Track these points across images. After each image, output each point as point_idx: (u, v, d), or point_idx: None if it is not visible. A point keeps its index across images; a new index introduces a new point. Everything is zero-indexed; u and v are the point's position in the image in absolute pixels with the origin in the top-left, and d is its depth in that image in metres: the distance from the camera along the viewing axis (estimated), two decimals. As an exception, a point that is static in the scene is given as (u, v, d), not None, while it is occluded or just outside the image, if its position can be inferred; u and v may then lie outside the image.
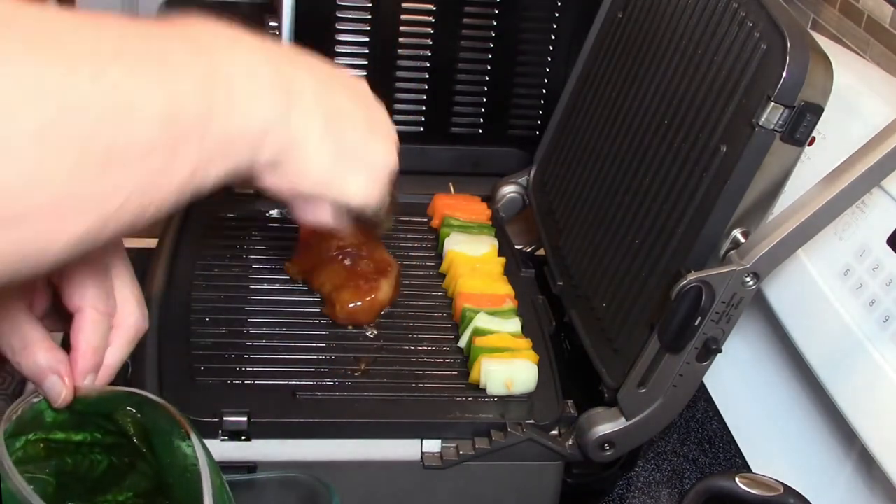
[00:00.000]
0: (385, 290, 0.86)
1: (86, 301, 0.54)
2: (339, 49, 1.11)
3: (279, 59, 0.52)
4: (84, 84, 0.40)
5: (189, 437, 0.55)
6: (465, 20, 1.13)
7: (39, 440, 0.55)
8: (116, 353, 0.56)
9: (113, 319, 0.56)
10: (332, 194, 0.55)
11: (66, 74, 0.40)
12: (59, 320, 0.55)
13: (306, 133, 0.52)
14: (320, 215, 0.57)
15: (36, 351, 0.53)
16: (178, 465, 0.55)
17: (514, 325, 0.84)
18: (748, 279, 0.68)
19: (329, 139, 0.53)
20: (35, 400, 0.55)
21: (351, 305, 0.84)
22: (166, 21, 0.48)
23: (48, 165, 0.39)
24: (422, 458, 0.75)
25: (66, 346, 0.55)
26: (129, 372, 0.72)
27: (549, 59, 1.16)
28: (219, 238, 0.94)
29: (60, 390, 0.54)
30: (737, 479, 0.73)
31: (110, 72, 0.42)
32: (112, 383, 0.56)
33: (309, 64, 0.55)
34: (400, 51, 1.12)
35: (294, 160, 0.52)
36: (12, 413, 0.54)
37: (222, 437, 0.73)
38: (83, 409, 0.55)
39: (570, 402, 0.80)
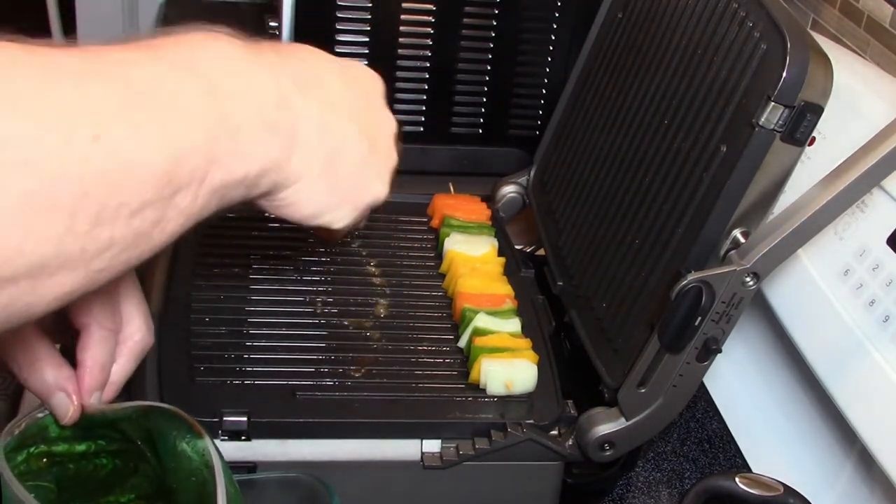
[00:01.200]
0: None
1: (92, 318, 0.54)
2: (339, 49, 1.11)
3: (289, 90, 0.50)
4: (81, 148, 0.39)
5: (197, 440, 0.55)
6: (465, 20, 1.13)
7: (42, 454, 0.55)
8: (122, 369, 0.56)
9: (119, 335, 0.55)
10: (317, 223, 0.55)
11: (63, 138, 0.38)
12: (63, 333, 0.55)
13: (303, 173, 0.51)
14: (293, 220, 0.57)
15: (43, 367, 0.53)
16: (182, 470, 0.55)
17: (514, 325, 0.84)
18: (748, 279, 0.68)
19: (326, 177, 0.53)
20: (40, 415, 0.55)
21: None
22: (180, 42, 0.47)
23: (36, 233, 0.38)
24: (422, 458, 0.75)
25: (68, 356, 0.55)
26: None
27: (549, 59, 1.16)
28: (219, 238, 0.94)
29: (68, 408, 0.53)
30: (737, 479, 0.73)
31: (112, 132, 0.40)
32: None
33: (320, 82, 0.54)
34: (400, 51, 1.12)
35: (287, 196, 0.52)
36: (15, 427, 0.54)
37: (222, 437, 0.73)
38: (88, 424, 0.55)
39: (570, 402, 0.80)
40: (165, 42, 0.46)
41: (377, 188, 0.58)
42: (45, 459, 0.55)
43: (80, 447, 0.56)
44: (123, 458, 0.58)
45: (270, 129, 0.49)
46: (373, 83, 0.61)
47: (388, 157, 0.59)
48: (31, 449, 0.55)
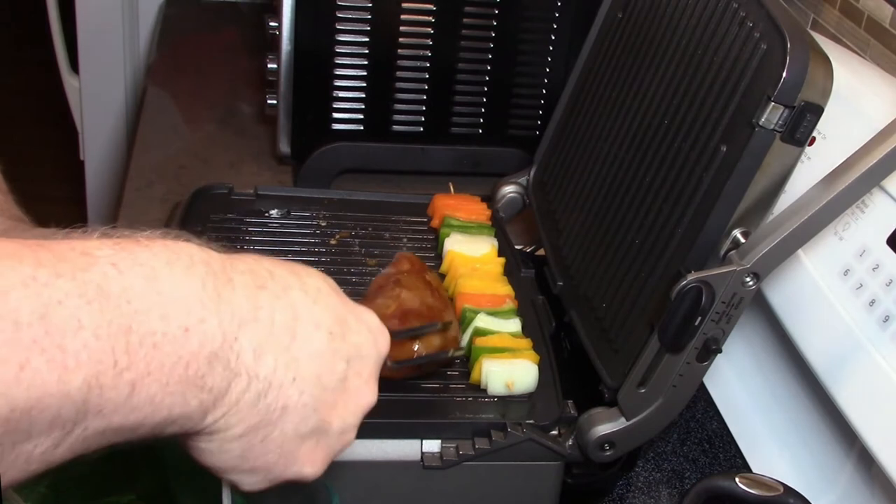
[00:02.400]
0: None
1: None
2: (339, 49, 1.11)
3: (240, 346, 0.44)
4: None
5: None
6: (465, 20, 1.13)
7: None
8: None
9: None
10: (222, 476, 0.49)
11: None
12: None
13: (219, 429, 0.45)
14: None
15: None
16: (185, 471, 0.55)
17: (515, 325, 0.84)
18: (748, 279, 0.68)
19: (246, 440, 0.47)
20: None
21: None
22: (126, 257, 0.41)
23: None
24: (422, 458, 0.75)
25: None
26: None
27: (549, 59, 1.16)
28: (219, 238, 0.93)
29: None
30: (737, 479, 0.73)
31: None
32: None
33: (293, 335, 0.47)
34: (400, 51, 1.12)
35: (193, 443, 0.46)
36: None
37: (222, 437, 0.73)
38: None
39: (570, 402, 0.79)
40: (108, 255, 0.41)
41: (304, 470, 0.51)
42: None
43: None
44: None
45: (190, 385, 0.42)
46: (372, 346, 0.54)
47: (337, 438, 0.52)
48: None
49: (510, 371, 0.78)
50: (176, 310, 0.42)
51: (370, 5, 1.09)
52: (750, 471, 0.90)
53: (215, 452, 0.47)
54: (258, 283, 0.47)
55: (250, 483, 0.50)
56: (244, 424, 0.46)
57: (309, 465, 0.51)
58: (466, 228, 0.98)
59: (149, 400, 0.41)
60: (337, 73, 1.12)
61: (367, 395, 0.54)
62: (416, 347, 0.72)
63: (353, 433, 0.54)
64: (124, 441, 0.42)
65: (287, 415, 0.48)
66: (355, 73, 1.13)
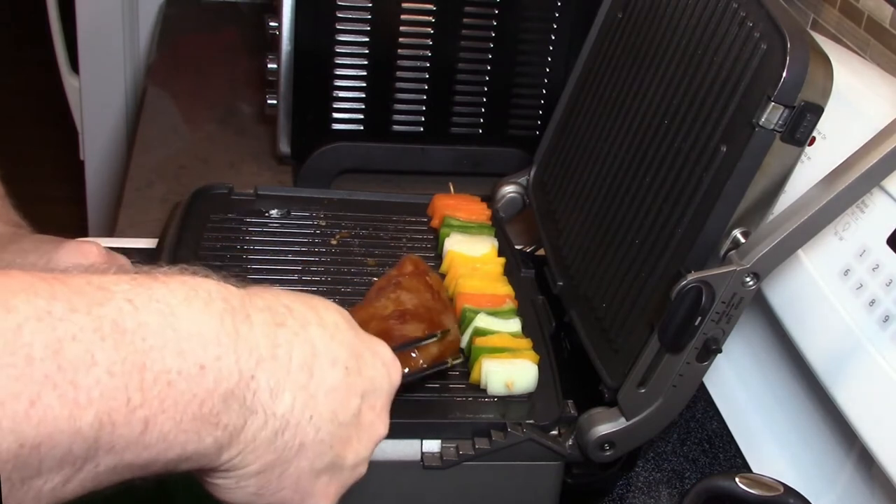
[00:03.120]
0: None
1: None
2: (339, 49, 1.11)
3: (257, 384, 0.44)
4: None
5: None
6: (465, 20, 1.13)
7: None
8: None
9: None
10: None
11: None
12: None
13: (235, 467, 0.46)
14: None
15: None
16: (184, 477, 0.55)
17: (515, 325, 0.84)
18: (748, 279, 0.68)
19: (262, 477, 0.47)
20: None
21: None
22: (142, 294, 0.41)
23: None
24: (422, 458, 0.75)
25: None
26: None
27: (549, 59, 1.16)
28: (219, 238, 0.94)
29: None
30: (737, 479, 0.73)
31: None
32: None
33: (311, 371, 0.47)
34: (400, 51, 1.12)
35: (210, 480, 0.47)
36: None
37: (222, 438, 0.73)
38: None
39: (570, 402, 0.80)
40: (125, 291, 0.41)
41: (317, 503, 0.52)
42: None
43: None
44: None
45: (205, 423, 0.42)
46: (385, 379, 0.54)
47: (350, 472, 0.53)
48: None
49: (510, 371, 0.78)
50: (192, 347, 0.42)
51: (370, 5, 1.09)
52: (750, 471, 0.90)
53: (232, 489, 0.47)
54: (277, 321, 0.47)
55: None
56: (261, 462, 0.46)
57: (323, 498, 0.52)
58: (466, 228, 0.98)
59: (162, 437, 0.41)
60: (337, 73, 1.12)
61: (379, 427, 0.54)
62: (413, 355, 0.73)
63: (366, 465, 0.54)
64: (137, 477, 0.42)
65: (303, 452, 0.48)
66: (355, 73, 1.13)
